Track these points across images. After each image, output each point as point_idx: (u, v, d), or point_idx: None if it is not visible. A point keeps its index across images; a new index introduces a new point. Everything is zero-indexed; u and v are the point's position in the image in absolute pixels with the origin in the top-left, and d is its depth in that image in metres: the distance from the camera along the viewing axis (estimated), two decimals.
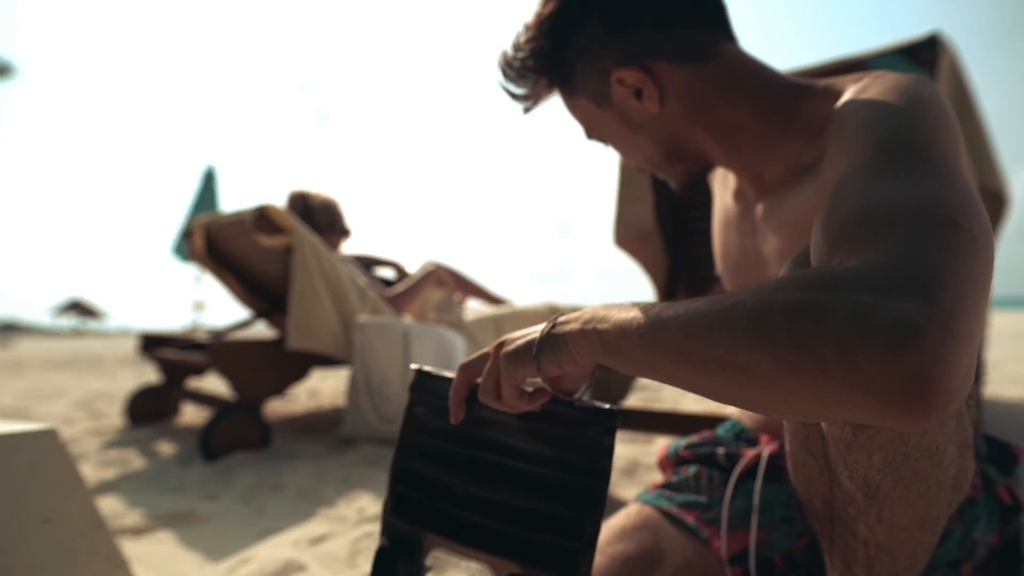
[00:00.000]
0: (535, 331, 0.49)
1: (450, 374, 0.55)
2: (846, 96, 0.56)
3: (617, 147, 0.72)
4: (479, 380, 0.53)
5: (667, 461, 0.83)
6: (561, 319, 0.47)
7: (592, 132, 0.72)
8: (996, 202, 1.23)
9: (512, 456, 0.50)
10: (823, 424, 0.48)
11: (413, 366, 0.58)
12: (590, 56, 0.65)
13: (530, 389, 0.50)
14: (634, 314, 0.41)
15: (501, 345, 0.51)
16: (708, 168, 0.71)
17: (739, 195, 0.74)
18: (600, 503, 0.46)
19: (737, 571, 0.70)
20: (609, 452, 0.48)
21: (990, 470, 0.68)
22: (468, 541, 0.49)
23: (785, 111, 0.62)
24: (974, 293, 0.32)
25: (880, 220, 0.37)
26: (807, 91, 0.61)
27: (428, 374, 0.56)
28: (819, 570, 0.72)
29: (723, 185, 0.80)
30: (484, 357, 0.52)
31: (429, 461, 0.53)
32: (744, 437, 0.81)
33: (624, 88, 0.65)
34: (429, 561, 0.52)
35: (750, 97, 0.63)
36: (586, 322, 0.45)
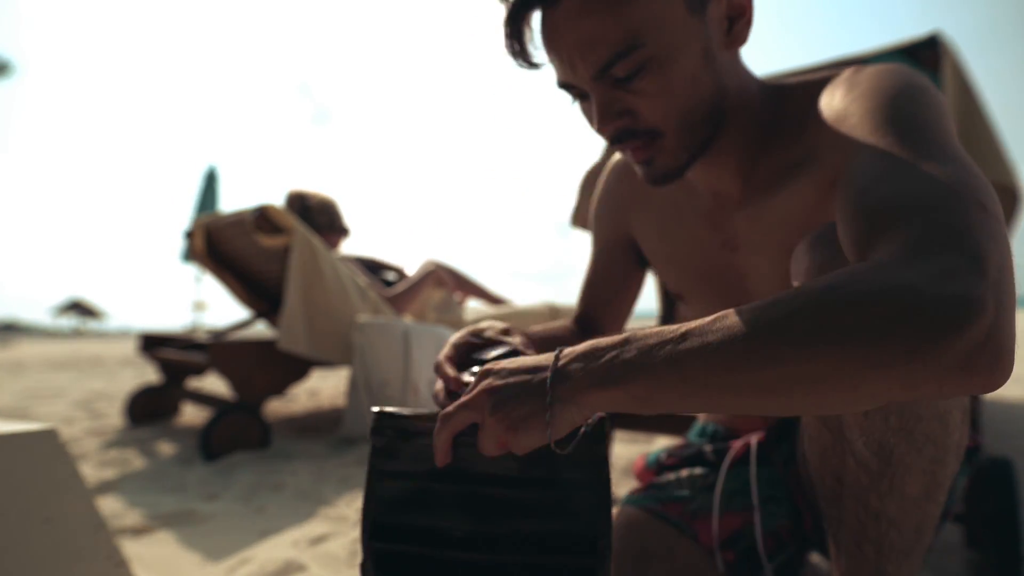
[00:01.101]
0: (529, 384, 0.42)
1: (416, 411, 0.50)
2: (835, 91, 0.55)
3: (656, 85, 0.53)
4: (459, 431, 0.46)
5: (647, 471, 0.84)
6: (562, 373, 0.41)
7: (633, 48, 0.51)
8: (1010, 197, 1.23)
9: (504, 485, 0.46)
10: None
11: (374, 409, 0.51)
12: None
13: None
14: (664, 354, 0.37)
15: (487, 397, 0.43)
16: (686, 169, 0.60)
17: (713, 205, 0.68)
18: (606, 513, 0.45)
19: (729, 556, 0.71)
20: (605, 461, 0.47)
21: None
22: None
23: (774, 110, 0.61)
24: (1007, 265, 0.36)
25: (917, 205, 0.38)
26: (788, 91, 0.61)
27: (391, 414, 0.50)
28: (800, 550, 0.74)
29: (675, 202, 0.72)
30: (467, 411, 0.44)
31: (411, 508, 0.47)
32: (720, 436, 0.82)
33: (731, 3, 0.55)
34: None
35: (755, 86, 0.61)
36: (600, 375, 0.40)
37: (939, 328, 0.32)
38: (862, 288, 0.34)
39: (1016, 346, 0.35)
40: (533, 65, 0.55)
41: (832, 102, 0.55)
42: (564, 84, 0.57)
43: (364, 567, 0.47)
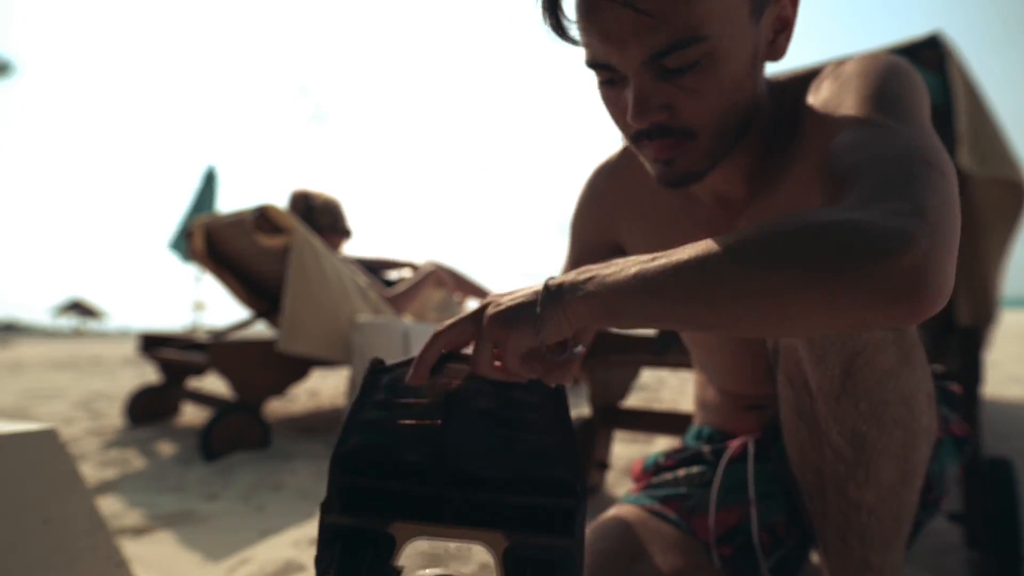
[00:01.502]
0: (524, 297, 0.45)
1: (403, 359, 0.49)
2: (822, 83, 0.58)
3: (706, 83, 0.51)
4: (449, 349, 0.48)
5: (644, 473, 0.84)
6: (552, 284, 0.45)
7: (695, 39, 0.48)
8: (1016, 193, 1.23)
9: (482, 422, 0.46)
10: (812, 381, 0.53)
11: (373, 360, 0.50)
12: None
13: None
14: (634, 271, 0.42)
15: (485, 312, 0.46)
16: (706, 175, 0.58)
17: (715, 210, 0.67)
18: (578, 457, 0.45)
19: (726, 551, 0.71)
20: (566, 405, 0.48)
21: (943, 409, 0.74)
22: (451, 520, 0.43)
23: (774, 108, 0.61)
24: (949, 212, 0.39)
25: (873, 165, 0.43)
26: (781, 87, 0.62)
27: (384, 366, 0.50)
28: (801, 547, 0.74)
29: (671, 209, 0.70)
30: (463, 326, 0.47)
31: (386, 442, 0.46)
32: (716, 439, 0.82)
33: (779, 15, 0.54)
34: (402, 560, 0.44)
35: (765, 89, 0.61)
36: (582, 288, 0.43)
37: (867, 254, 0.35)
38: (809, 221, 0.38)
39: (949, 288, 0.37)
40: (570, 40, 0.51)
41: (821, 93, 0.57)
42: (599, 65, 0.52)
43: (328, 506, 0.45)
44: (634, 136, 0.55)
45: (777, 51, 0.55)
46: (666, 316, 0.41)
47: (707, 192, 0.66)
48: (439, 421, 0.45)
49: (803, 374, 0.55)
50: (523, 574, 0.40)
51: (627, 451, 1.81)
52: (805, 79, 0.60)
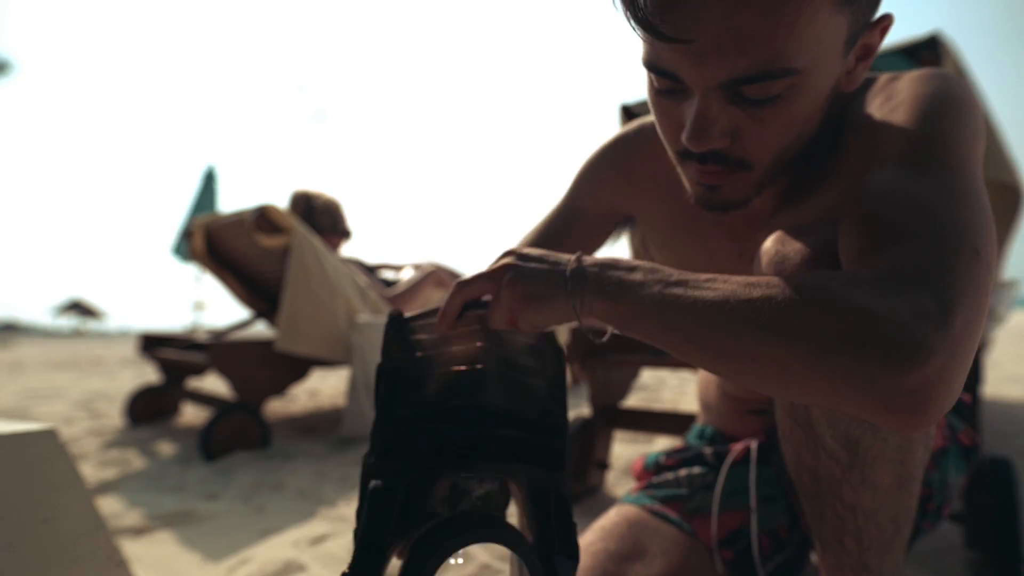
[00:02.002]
0: (548, 274, 0.45)
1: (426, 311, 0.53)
2: (873, 100, 0.53)
3: (781, 117, 0.46)
4: (469, 301, 0.49)
5: (645, 472, 0.84)
6: (578, 271, 0.44)
7: (788, 72, 0.43)
8: (1012, 195, 1.24)
9: (505, 367, 0.48)
10: None
11: (392, 312, 0.52)
12: None
13: None
14: (655, 291, 0.41)
15: (506, 275, 0.46)
16: (747, 204, 0.54)
17: (739, 218, 0.65)
18: (566, 402, 0.50)
19: (727, 554, 0.71)
20: (562, 354, 0.52)
21: (951, 418, 0.72)
22: (482, 459, 0.45)
23: (826, 115, 0.56)
24: (979, 318, 0.37)
25: (913, 231, 0.39)
26: (839, 111, 0.57)
27: (405, 319, 0.52)
28: (802, 551, 0.74)
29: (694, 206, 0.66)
30: (484, 284, 0.48)
31: (421, 389, 0.47)
32: (718, 440, 0.82)
33: (866, 43, 0.48)
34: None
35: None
36: (604, 287, 0.43)
37: (878, 361, 0.33)
38: (830, 296, 0.36)
39: (953, 401, 0.35)
40: (659, 35, 0.43)
41: (868, 109, 0.52)
42: (663, 72, 0.46)
43: (368, 452, 0.46)
44: (684, 155, 0.51)
45: (853, 80, 0.49)
46: (674, 347, 0.41)
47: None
48: (479, 367, 0.46)
49: None
50: (546, 503, 0.43)
51: (627, 451, 1.81)
52: (853, 96, 0.55)
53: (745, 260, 0.65)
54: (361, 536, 0.40)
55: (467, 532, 0.42)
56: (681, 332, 0.40)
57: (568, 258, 0.47)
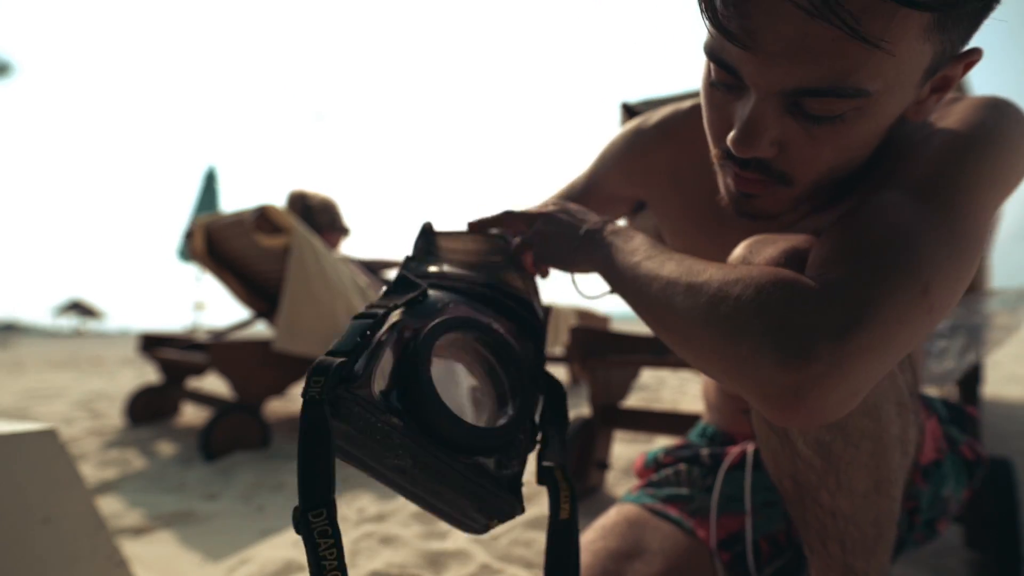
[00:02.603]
0: (568, 230, 0.58)
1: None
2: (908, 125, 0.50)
3: (838, 138, 0.44)
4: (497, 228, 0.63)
5: (646, 469, 0.84)
6: (590, 231, 0.56)
7: (858, 93, 0.40)
8: None
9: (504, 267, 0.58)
10: None
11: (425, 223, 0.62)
12: (977, 19, 0.41)
13: None
14: (636, 260, 0.49)
15: (536, 223, 0.60)
16: (780, 218, 0.53)
17: (761, 224, 0.62)
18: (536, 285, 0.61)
19: (725, 557, 0.71)
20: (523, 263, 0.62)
21: (952, 431, 0.71)
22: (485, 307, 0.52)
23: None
24: (889, 355, 0.37)
25: (868, 258, 0.38)
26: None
27: (434, 231, 0.61)
28: (800, 557, 0.74)
29: (716, 205, 0.64)
30: (519, 223, 0.63)
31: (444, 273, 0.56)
32: (718, 440, 0.82)
33: (946, 75, 0.44)
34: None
35: None
36: (600, 249, 0.53)
37: (765, 356, 0.37)
38: (756, 293, 0.39)
39: (836, 413, 0.38)
40: (733, 39, 0.40)
41: (920, 126, 0.49)
42: (723, 64, 0.43)
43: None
44: (723, 157, 0.49)
45: (923, 111, 0.45)
46: (641, 314, 0.48)
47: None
48: (499, 259, 0.59)
49: None
50: (508, 354, 0.47)
51: (627, 451, 1.81)
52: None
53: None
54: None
55: (461, 319, 0.46)
56: (643, 302, 0.47)
57: (595, 220, 0.58)
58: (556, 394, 0.48)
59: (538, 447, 0.46)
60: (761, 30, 0.39)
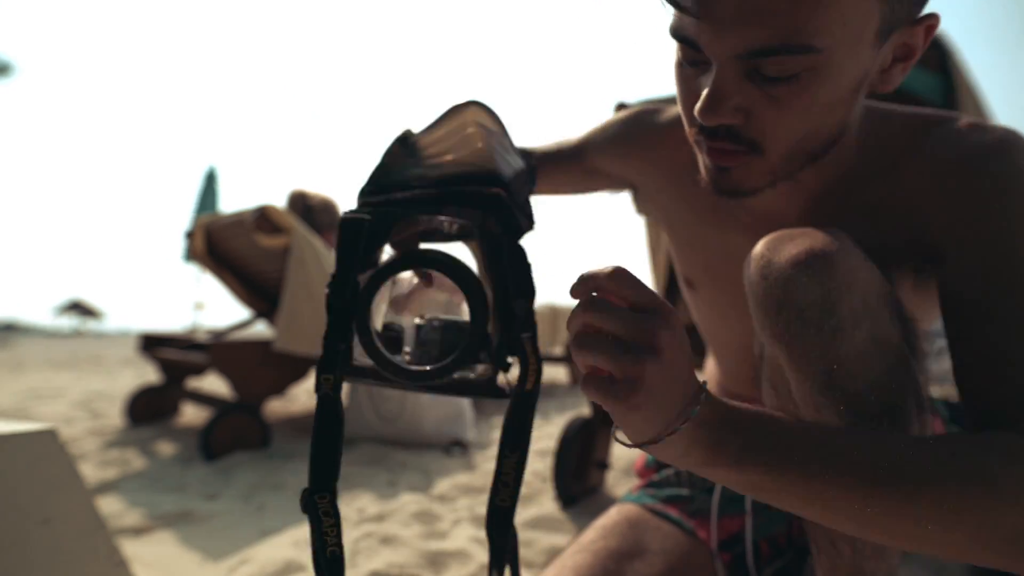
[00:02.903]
0: (672, 403, 0.37)
1: None
2: (945, 138, 0.51)
3: (797, 100, 0.45)
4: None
5: (647, 469, 0.84)
6: (709, 423, 0.38)
7: (807, 49, 0.41)
8: None
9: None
10: (793, 389, 0.51)
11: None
12: None
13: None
14: (802, 456, 0.39)
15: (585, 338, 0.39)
16: (758, 193, 0.53)
17: (761, 220, 0.63)
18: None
19: (726, 557, 0.71)
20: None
21: (954, 431, 0.73)
22: (445, 202, 0.46)
23: (869, 141, 0.55)
24: None
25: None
26: (888, 122, 0.56)
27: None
28: (800, 558, 0.74)
29: (714, 200, 0.65)
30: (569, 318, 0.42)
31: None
32: None
33: (906, 42, 0.47)
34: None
35: (859, 115, 0.54)
36: (732, 456, 0.38)
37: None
38: (990, 485, 0.38)
39: None
40: (678, 6, 0.44)
41: (944, 155, 0.50)
42: (685, 39, 0.46)
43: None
44: (697, 131, 0.50)
45: (889, 80, 0.48)
46: (819, 516, 0.41)
47: (759, 205, 0.62)
48: (481, 146, 0.47)
49: (786, 381, 0.53)
50: (499, 250, 0.44)
51: (627, 451, 1.81)
52: (927, 127, 0.53)
53: (768, 225, 0.64)
54: (336, 263, 0.43)
55: (419, 258, 0.43)
56: (834, 511, 0.39)
57: (694, 386, 0.38)
58: (520, 266, 0.44)
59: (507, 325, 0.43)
60: (709, 2, 0.42)
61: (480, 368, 0.45)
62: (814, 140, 0.48)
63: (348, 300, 0.42)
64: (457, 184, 0.45)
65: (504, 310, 0.43)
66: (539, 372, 0.43)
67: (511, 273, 0.43)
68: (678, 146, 0.69)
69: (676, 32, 0.46)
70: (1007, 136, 0.49)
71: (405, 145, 0.50)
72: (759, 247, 0.49)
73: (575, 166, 0.79)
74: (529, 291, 0.43)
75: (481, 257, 0.46)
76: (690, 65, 0.48)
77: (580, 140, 0.79)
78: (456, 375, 0.43)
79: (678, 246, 0.74)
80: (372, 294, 0.42)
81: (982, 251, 0.47)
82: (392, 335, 0.47)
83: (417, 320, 0.47)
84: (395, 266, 0.43)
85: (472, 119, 0.49)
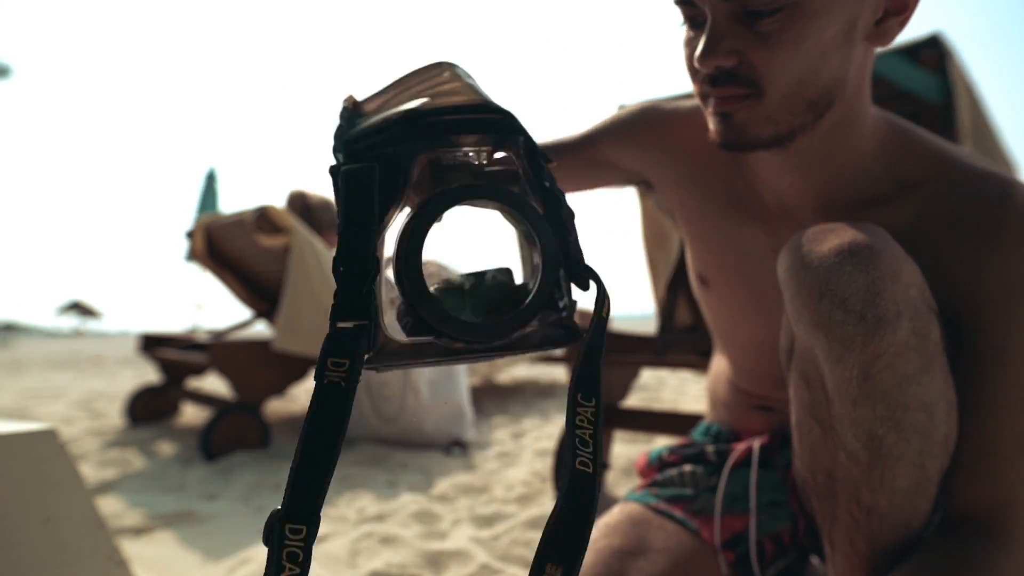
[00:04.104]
0: None
1: None
2: (970, 170, 0.53)
3: (787, 35, 0.48)
4: None
5: (649, 468, 0.84)
6: None
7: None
8: None
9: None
10: (828, 381, 0.51)
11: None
12: None
13: None
14: None
15: None
16: (764, 146, 0.55)
17: (777, 213, 0.64)
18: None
19: (729, 556, 0.71)
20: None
21: None
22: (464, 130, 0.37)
23: (891, 148, 0.56)
24: None
25: None
26: (912, 139, 0.57)
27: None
28: (805, 557, 0.74)
29: (733, 191, 0.67)
30: None
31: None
32: (723, 438, 0.82)
33: None
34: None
35: (873, 110, 0.56)
36: None
37: None
38: None
39: None
40: None
41: (970, 189, 0.52)
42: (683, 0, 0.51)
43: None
44: (701, 82, 0.52)
45: (884, 35, 0.50)
46: None
47: (774, 198, 0.63)
48: (473, 87, 0.39)
49: (820, 374, 0.53)
50: (540, 173, 0.36)
51: (627, 451, 1.81)
52: (948, 169, 0.54)
53: (776, 255, 0.63)
54: (342, 218, 0.33)
55: (470, 191, 0.34)
56: None
57: None
58: (559, 210, 0.36)
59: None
60: None
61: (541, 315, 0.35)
62: (810, 87, 0.50)
63: (368, 263, 0.33)
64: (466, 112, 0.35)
65: (560, 240, 0.35)
66: (608, 299, 0.36)
67: (554, 197, 0.36)
68: (696, 138, 0.69)
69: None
70: None
71: (361, 104, 0.39)
72: (798, 237, 0.49)
73: (580, 157, 0.77)
74: (572, 226, 0.37)
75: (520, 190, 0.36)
76: (691, 24, 0.52)
77: (586, 132, 0.78)
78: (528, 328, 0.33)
79: (693, 241, 0.74)
80: (421, 239, 0.32)
81: (1005, 342, 0.49)
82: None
83: (456, 277, 0.37)
84: (445, 200, 0.33)
85: (450, 73, 0.40)
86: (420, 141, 0.34)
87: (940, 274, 0.51)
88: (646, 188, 0.80)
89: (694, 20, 0.51)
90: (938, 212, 0.53)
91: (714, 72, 0.50)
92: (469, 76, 0.40)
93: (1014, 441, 0.47)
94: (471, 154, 0.36)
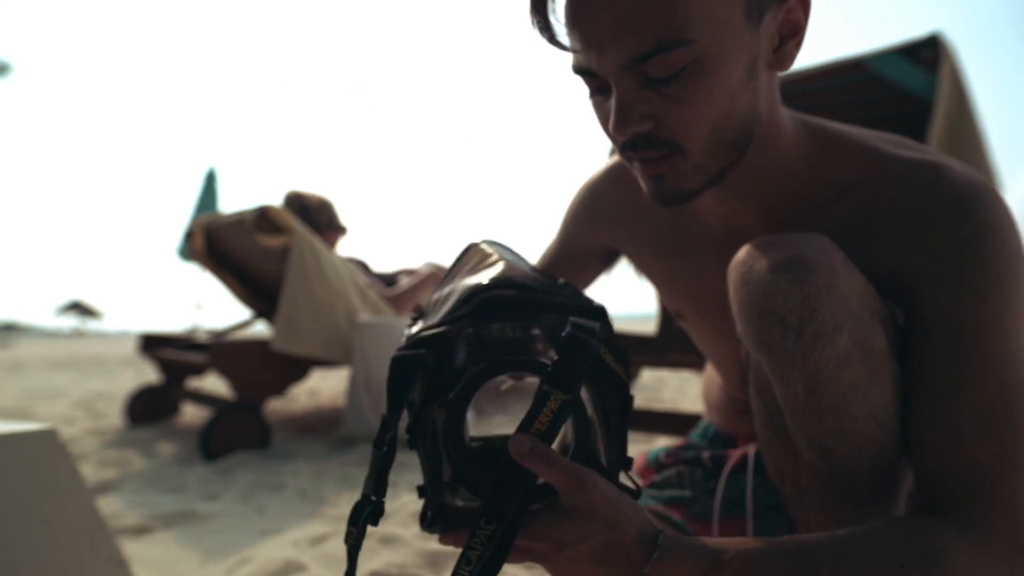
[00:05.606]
0: (615, 549, 0.42)
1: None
2: (912, 172, 0.51)
3: (692, 92, 0.47)
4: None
5: (647, 470, 0.84)
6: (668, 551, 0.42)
7: (679, 43, 0.44)
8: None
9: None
10: (778, 396, 0.51)
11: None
12: None
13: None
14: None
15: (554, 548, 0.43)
16: (699, 194, 0.54)
17: (724, 233, 0.64)
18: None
19: None
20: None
21: None
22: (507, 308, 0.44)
23: (814, 153, 0.56)
24: None
25: (990, 484, 0.46)
26: (838, 140, 0.56)
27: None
28: None
29: (679, 224, 0.68)
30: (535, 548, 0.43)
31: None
32: (720, 441, 0.82)
33: (787, 19, 0.49)
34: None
35: (785, 117, 0.56)
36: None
37: None
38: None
39: None
40: (560, 44, 0.48)
41: (909, 195, 0.51)
42: (583, 71, 0.49)
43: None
44: (621, 148, 0.52)
45: (784, 59, 0.50)
46: None
47: (719, 223, 0.63)
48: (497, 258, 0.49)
49: (771, 387, 0.53)
50: (586, 348, 0.40)
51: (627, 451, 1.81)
52: (886, 160, 0.53)
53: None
54: (389, 399, 0.40)
55: (512, 362, 0.39)
56: None
57: (646, 524, 0.43)
58: (610, 370, 0.42)
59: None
60: (585, 23, 0.45)
61: None
62: (728, 130, 0.50)
63: (387, 445, 0.39)
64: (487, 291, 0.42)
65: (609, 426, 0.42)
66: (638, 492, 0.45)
67: (601, 378, 0.41)
68: (628, 192, 0.72)
69: (575, 69, 0.50)
70: (980, 189, 0.49)
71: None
72: (741, 254, 0.49)
73: (567, 264, 0.80)
74: (627, 396, 0.44)
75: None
76: (598, 93, 0.51)
77: (557, 241, 0.82)
78: None
79: (660, 284, 0.74)
80: (462, 412, 0.37)
81: (956, 324, 0.48)
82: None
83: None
84: (486, 374, 0.38)
85: (482, 248, 0.50)
86: (465, 321, 0.42)
87: (888, 269, 0.51)
88: (621, 256, 0.82)
89: (601, 89, 0.50)
90: (876, 208, 0.52)
91: (633, 139, 0.49)
92: (498, 248, 0.49)
93: (966, 413, 0.46)
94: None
